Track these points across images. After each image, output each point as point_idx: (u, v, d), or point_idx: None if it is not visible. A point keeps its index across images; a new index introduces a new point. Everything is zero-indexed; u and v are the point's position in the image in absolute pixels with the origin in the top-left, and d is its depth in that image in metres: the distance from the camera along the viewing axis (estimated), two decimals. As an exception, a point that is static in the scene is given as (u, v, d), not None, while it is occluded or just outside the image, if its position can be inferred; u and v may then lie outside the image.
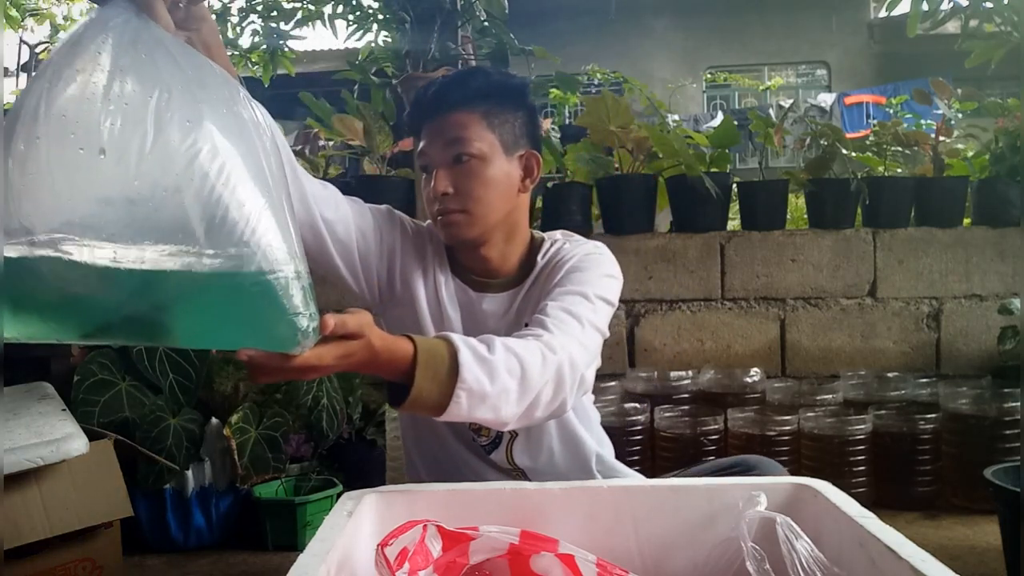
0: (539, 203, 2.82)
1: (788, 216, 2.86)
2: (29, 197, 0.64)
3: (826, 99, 8.33)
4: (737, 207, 2.90)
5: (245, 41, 4.06)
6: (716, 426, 2.27)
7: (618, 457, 1.33)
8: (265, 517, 2.06)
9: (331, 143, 3.09)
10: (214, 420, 2.08)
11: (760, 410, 2.36)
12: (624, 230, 2.71)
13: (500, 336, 0.98)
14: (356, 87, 3.16)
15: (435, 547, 0.76)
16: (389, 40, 3.49)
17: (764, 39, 10.00)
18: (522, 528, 0.80)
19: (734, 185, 2.84)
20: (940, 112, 3.42)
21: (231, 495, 2.09)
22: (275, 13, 3.97)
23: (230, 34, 4.03)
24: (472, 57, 3.11)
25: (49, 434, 1.55)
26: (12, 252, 0.63)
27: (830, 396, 2.43)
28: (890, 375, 2.50)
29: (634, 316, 2.72)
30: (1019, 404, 2.18)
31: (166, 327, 0.70)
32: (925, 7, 2.91)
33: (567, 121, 5.81)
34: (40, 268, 0.64)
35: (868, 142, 2.98)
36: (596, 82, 6.90)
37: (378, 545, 0.71)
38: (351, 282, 1.21)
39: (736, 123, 2.91)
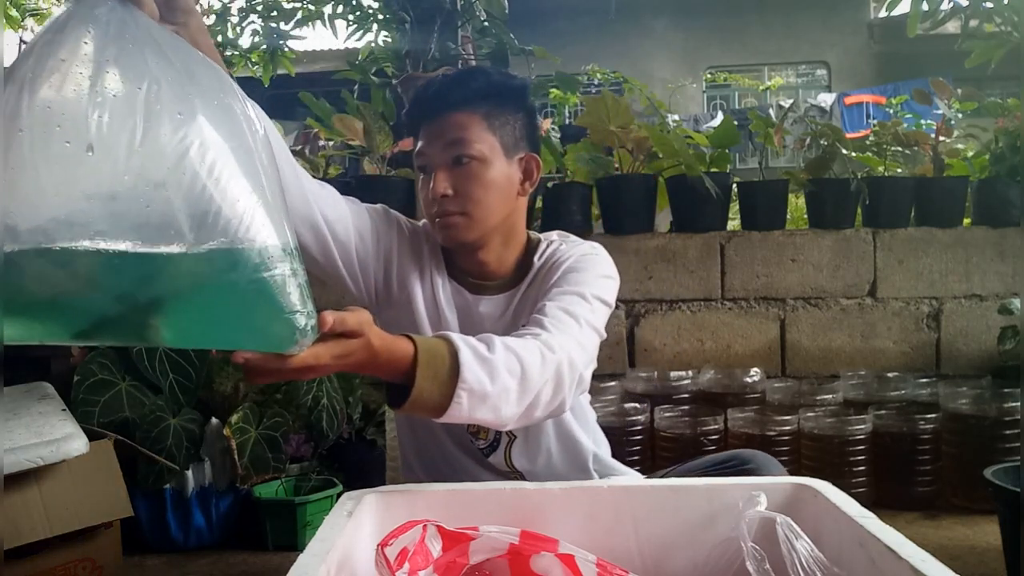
0: (539, 203, 2.82)
1: (788, 216, 2.86)
2: (11, 192, 0.61)
3: (826, 99, 8.34)
4: (737, 207, 2.90)
5: (245, 41, 4.07)
6: (716, 426, 2.27)
7: (618, 457, 1.33)
8: (265, 517, 2.06)
9: (331, 143, 3.09)
10: (214, 420, 2.08)
11: (760, 410, 2.36)
12: (624, 230, 2.71)
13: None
14: (356, 87, 3.17)
15: (435, 547, 0.76)
16: (389, 40, 3.50)
17: (764, 39, 10.00)
18: (522, 528, 0.80)
19: (734, 185, 2.84)
20: (940, 112, 3.42)
21: (231, 495, 2.09)
22: (275, 13, 3.98)
23: (230, 34, 4.03)
24: (472, 57, 3.12)
25: (49, 434, 1.55)
26: None
27: (830, 396, 2.43)
28: (890, 375, 2.50)
29: (634, 316, 2.72)
30: (1019, 404, 2.18)
31: (158, 327, 0.67)
32: (925, 7, 2.92)
33: (567, 121, 5.81)
34: (25, 267, 0.61)
35: (868, 142, 2.98)
36: (596, 82, 6.91)
37: (378, 545, 0.71)
38: (350, 283, 1.20)
39: (736, 123, 2.90)
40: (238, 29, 4.03)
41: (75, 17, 0.67)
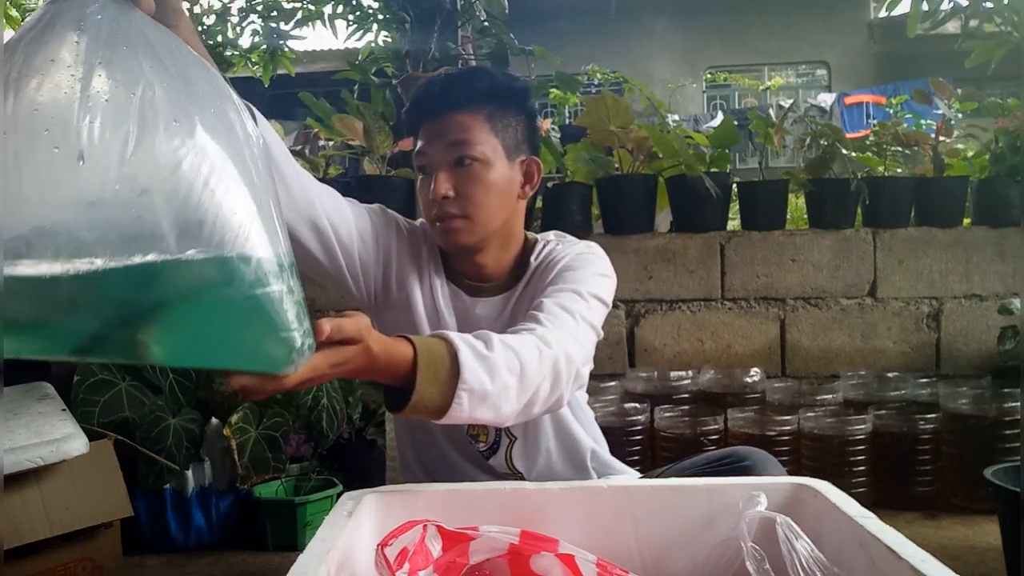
0: (539, 203, 2.82)
1: (788, 216, 2.86)
2: None
3: (826, 99, 8.34)
4: (737, 207, 2.90)
5: (245, 41, 4.07)
6: (716, 426, 2.27)
7: (618, 457, 1.33)
8: (265, 517, 2.06)
9: (331, 143, 3.09)
10: (214, 420, 2.08)
11: (760, 410, 2.36)
12: (624, 230, 2.71)
13: None
14: (356, 87, 3.17)
15: (435, 547, 0.76)
16: (389, 40, 3.51)
17: (764, 39, 10.00)
18: (522, 528, 0.79)
19: (734, 185, 2.84)
20: (940, 112, 3.42)
21: (231, 495, 2.09)
22: (275, 13, 3.98)
23: (230, 34, 4.03)
24: (472, 57, 3.12)
25: (49, 434, 1.55)
26: None
27: (830, 396, 2.43)
28: (890, 375, 2.50)
29: (634, 316, 2.72)
30: (1019, 404, 2.18)
31: (149, 346, 0.62)
32: (925, 7, 2.92)
33: (567, 121, 5.82)
34: (8, 280, 0.56)
35: (868, 142, 2.98)
36: (596, 82, 6.91)
37: (378, 545, 0.71)
38: (352, 285, 1.19)
39: (736, 123, 2.91)
40: (238, 29, 4.03)
41: (64, 14, 0.63)
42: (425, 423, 1.15)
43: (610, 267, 1.19)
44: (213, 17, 3.99)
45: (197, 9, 3.92)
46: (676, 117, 4.33)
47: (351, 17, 3.67)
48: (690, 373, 2.54)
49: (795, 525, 0.76)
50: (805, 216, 2.97)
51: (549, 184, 2.86)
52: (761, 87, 9.99)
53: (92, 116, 0.59)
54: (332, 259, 1.13)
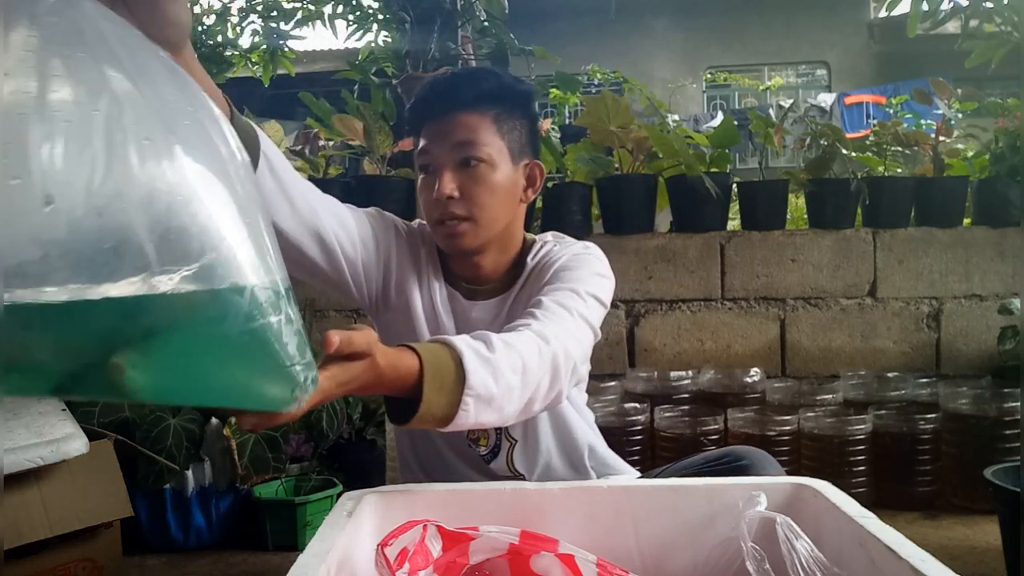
0: (539, 203, 2.82)
1: (788, 216, 2.86)
2: None
3: (826, 99, 8.33)
4: (737, 207, 2.90)
5: (245, 41, 4.08)
6: (716, 426, 2.28)
7: (618, 455, 1.33)
8: (265, 517, 2.06)
9: (331, 143, 3.09)
10: (214, 420, 2.08)
11: (760, 410, 2.36)
12: (624, 230, 2.71)
13: None
14: (356, 87, 3.17)
15: (435, 547, 0.76)
16: (389, 40, 3.51)
17: (764, 39, 10.00)
18: (522, 528, 0.79)
19: (734, 185, 2.84)
20: (940, 112, 3.42)
21: (231, 495, 2.09)
22: (275, 13, 3.99)
23: (230, 34, 4.04)
24: (472, 57, 3.12)
25: (49, 434, 1.55)
26: None
27: (830, 396, 2.43)
28: (890, 375, 2.51)
29: (634, 316, 2.72)
30: (1019, 404, 2.18)
31: (138, 384, 0.55)
32: (925, 7, 2.92)
33: (567, 121, 5.81)
34: None
35: (868, 142, 2.99)
36: (596, 82, 6.91)
37: (378, 545, 0.71)
38: (354, 291, 1.18)
39: (736, 123, 2.91)
40: (238, 29, 4.04)
41: (11, 19, 0.53)
42: (426, 430, 1.14)
43: (608, 268, 1.18)
44: (213, 17, 4.00)
45: (197, 9, 3.92)
46: (676, 117, 4.32)
47: (351, 17, 3.67)
48: (690, 373, 2.54)
49: (795, 525, 0.76)
50: (805, 216, 2.97)
51: (549, 184, 2.86)
52: (761, 87, 9.99)
53: (52, 141, 0.50)
54: (336, 268, 1.12)
